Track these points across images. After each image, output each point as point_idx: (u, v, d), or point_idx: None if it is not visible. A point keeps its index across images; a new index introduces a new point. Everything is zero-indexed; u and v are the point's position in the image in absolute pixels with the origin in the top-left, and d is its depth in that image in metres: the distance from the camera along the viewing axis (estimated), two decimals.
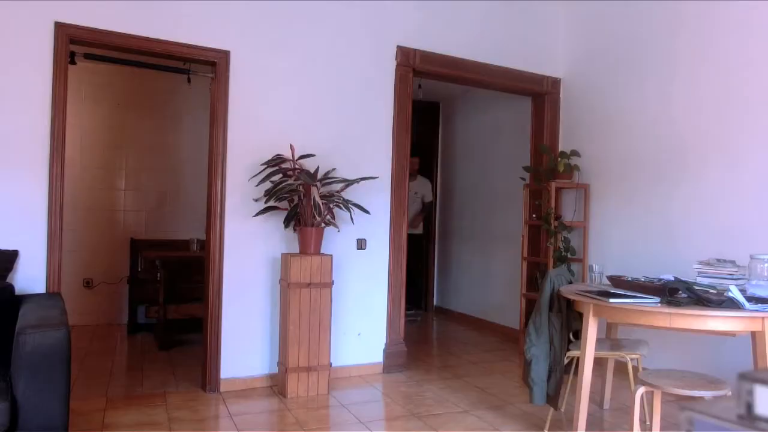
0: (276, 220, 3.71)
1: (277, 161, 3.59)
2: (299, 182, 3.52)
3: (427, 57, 4.23)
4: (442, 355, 4.79)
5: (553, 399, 2.87)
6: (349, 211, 3.77)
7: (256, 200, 3.62)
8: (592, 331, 2.66)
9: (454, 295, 6.46)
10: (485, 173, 6.01)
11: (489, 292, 5.85)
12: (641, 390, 2.42)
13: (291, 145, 3.65)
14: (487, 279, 5.87)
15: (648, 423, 2.89)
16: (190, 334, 4.90)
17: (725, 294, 2.44)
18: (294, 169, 3.60)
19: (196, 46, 3.49)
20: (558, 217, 4.56)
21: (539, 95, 4.86)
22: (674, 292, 2.58)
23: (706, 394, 2.26)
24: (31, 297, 2.83)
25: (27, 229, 3.10)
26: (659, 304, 2.46)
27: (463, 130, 6.44)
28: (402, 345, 4.21)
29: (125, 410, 3.19)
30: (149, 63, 3.87)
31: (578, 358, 2.77)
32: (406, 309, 4.44)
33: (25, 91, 3.09)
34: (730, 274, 2.72)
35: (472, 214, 6.18)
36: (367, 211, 3.83)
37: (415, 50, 4.18)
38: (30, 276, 3.09)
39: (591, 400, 2.77)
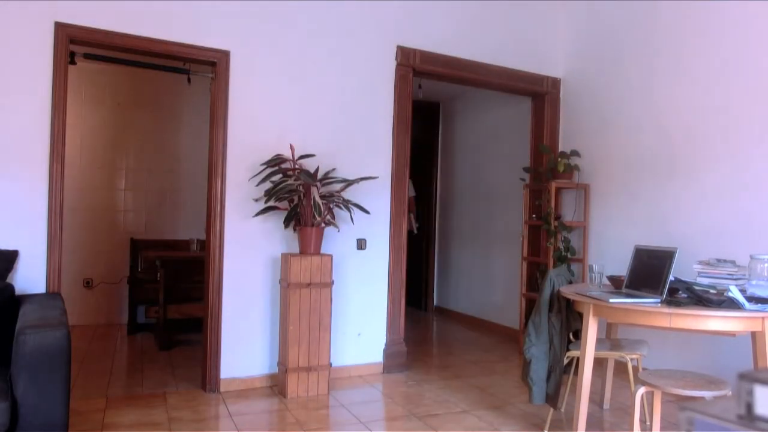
0: (276, 220, 3.71)
1: (277, 161, 3.59)
2: (299, 182, 3.52)
3: (427, 57, 4.23)
4: (442, 355, 4.79)
5: (552, 399, 2.87)
6: (349, 211, 3.77)
7: (256, 200, 3.62)
8: (592, 331, 2.66)
9: (454, 295, 6.46)
10: (485, 173, 6.01)
11: (489, 292, 5.85)
12: (641, 390, 2.42)
13: (291, 145, 3.65)
14: (487, 279, 5.87)
15: (648, 423, 2.89)
16: (190, 334, 4.90)
17: (725, 294, 2.44)
18: (294, 169, 3.60)
19: (196, 46, 3.49)
20: (558, 217, 4.56)
21: (539, 95, 4.86)
22: (674, 292, 2.58)
23: (706, 394, 2.26)
24: (31, 297, 2.84)
25: (27, 229, 3.10)
26: (659, 304, 2.46)
27: (463, 130, 6.44)
28: (402, 345, 4.21)
29: (125, 410, 3.19)
30: (149, 63, 3.87)
31: (578, 358, 2.77)
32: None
33: (26, 91, 3.09)
34: (730, 274, 2.72)
35: (472, 213, 6.18)
36: (367, 211, 3.83)
37: (415, 50, 4.18)
38: (30, 276, 3.09)
39: (591, 400, 2.77)
